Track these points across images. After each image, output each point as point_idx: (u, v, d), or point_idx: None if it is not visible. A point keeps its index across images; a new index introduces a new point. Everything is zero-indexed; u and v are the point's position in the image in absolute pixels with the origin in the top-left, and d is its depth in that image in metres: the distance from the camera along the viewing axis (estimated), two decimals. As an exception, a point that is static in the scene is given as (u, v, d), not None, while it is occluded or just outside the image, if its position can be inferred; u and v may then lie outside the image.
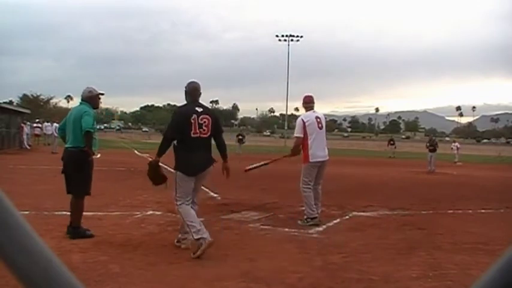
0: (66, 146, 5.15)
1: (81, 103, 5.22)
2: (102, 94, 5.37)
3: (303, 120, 6.23)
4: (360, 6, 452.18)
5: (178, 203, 4.56)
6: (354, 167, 18.68)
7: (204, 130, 4.59)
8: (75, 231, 4.94)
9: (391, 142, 31.76)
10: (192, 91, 4.77)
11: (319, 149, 6.19)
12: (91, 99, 5.22)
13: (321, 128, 6.28)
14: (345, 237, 5.44)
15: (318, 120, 6.29)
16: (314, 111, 6.38)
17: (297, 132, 6.26)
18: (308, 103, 6.38)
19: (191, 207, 4.59)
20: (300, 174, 6.29)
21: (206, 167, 4.63)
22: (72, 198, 5.04)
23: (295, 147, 6.39)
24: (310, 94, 6.46)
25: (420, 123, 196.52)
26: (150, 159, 5.10)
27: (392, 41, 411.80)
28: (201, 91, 4.83)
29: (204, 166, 4.63)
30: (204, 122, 4.60)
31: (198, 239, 4.33)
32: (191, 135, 4.55)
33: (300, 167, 6.35)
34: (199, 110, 4.66)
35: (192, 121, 4.56)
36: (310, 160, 6.13)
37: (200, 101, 4.81)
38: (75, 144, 5.01)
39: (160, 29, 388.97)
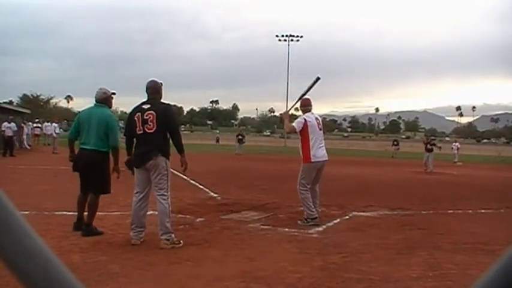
0: (86, 147, 5.18)
1: (96, 105, 5.32)
2: (114, 94, 5.51)
3: (305, 119, 6.29)
4: (360, 6, 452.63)
5: (134, 191, 4.94)
6: (354, 167, 18.68)
7: (150, 125, 4.76)
8: (88, 228, 5.05)
9: (395, 143, 32.84)
10: (146, 89, 5.00)
11: (319, 150, 6.29)
12: (106, 100, 5.36)
13: (320, 129, 6.44)
14: (345, 237, 5.44)
15: (318, 121, 6.44)
16: (312, 113, 6.48)
17: (296, 124, 6.30)
18: (306, 106, 6.46)
19: (141, 203, 4.84)
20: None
21: (147, 160, 4.75)
22: (91, 196, 5.16)
23: (290, 128, 6.41)
24: (307, 97, 6.48)
25: (420, 123, 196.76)
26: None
27: (392, 41, 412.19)
28: (158, 89, 5.02)
29: (145, 159, 4.76)
30: (149, 117, 4.78)
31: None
32: (136, 131, 4.82)
33: (299, 167, 6.37)
34: (146, 106, 4.85)
35: (136, 119, 4.81)
36: (312, 160, 6.19)
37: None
38: (98, 147, 5.13)
39: (160, 29, 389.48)
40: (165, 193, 4.76)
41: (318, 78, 6.33)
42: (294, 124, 6.35)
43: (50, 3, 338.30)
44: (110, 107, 5.47)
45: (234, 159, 21.97)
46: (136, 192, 4.88)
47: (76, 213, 5.28)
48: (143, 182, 4.86)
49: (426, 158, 18.34)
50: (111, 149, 5.23)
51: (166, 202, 4.74)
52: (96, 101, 5.33)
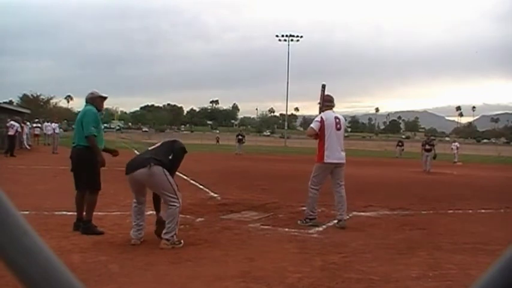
0: (74, 144, 5.42)
1: (85, 105, 5.58)
2: (106, 97, 5.67)
3: (322, 117, 6.00)
4: (360, 6, 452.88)
5: (133, 199, 4.94)
6: (354, 167, 18.64)
7: (156, 144, 5.03)
8: (87, 225, 5.08)
9: (400, 144, 33.17)
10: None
11: (335, 151, 6.00)
12: (93, 100, 5.55)
13: (338, 129, 6.08)
14: (345, 237, 5.44)
15: (337, 120, 6.09)
16: (333, 112, 6.17)
17: (313, 125, 6.07)
18: (326, 101, 6.12)
19: (140, 209, 4.84)
20: (311, 173, 6.25)
21: (140, 167, 4.68)
22: (87, 194, 5.24)
23: (308, 135, 6.29)
24: (328, 93, 6.19)
25: (420, 123, 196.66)
26: None
27: (392, 41, 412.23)
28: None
29: (139, 164, 4.73)
30: (160, 142, 5.06)
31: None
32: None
33: (310, 168, 6.32)
34: None
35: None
36: (325, 161, 5.99)
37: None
38: (80, 142, 5.32)
39: (160, 29, 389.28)
40: (173, 195, 4.70)
41: (324, 86, 6.17)
42: (311, 125, 6.07)
43: (50, 3, 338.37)
44: (99, 108, 5.55)
45: (234, 159, 21.96)
46: (134, 201, 4.89)
47: (76, 213, 5.30)
48: (139, 191, 4.86)
49: (425, 158, 18.29)
50: (86, 139, 5.22)
51: (178, 203, 4.72)
52: (85, 102, 5.61)
